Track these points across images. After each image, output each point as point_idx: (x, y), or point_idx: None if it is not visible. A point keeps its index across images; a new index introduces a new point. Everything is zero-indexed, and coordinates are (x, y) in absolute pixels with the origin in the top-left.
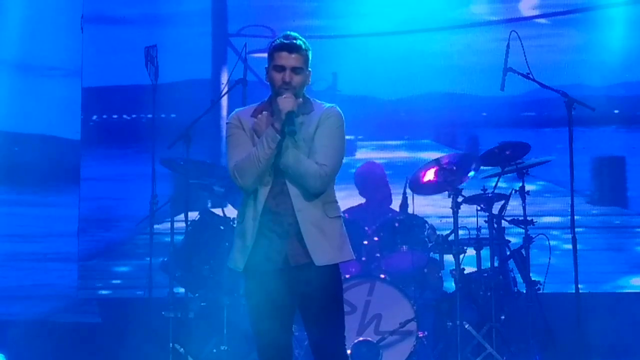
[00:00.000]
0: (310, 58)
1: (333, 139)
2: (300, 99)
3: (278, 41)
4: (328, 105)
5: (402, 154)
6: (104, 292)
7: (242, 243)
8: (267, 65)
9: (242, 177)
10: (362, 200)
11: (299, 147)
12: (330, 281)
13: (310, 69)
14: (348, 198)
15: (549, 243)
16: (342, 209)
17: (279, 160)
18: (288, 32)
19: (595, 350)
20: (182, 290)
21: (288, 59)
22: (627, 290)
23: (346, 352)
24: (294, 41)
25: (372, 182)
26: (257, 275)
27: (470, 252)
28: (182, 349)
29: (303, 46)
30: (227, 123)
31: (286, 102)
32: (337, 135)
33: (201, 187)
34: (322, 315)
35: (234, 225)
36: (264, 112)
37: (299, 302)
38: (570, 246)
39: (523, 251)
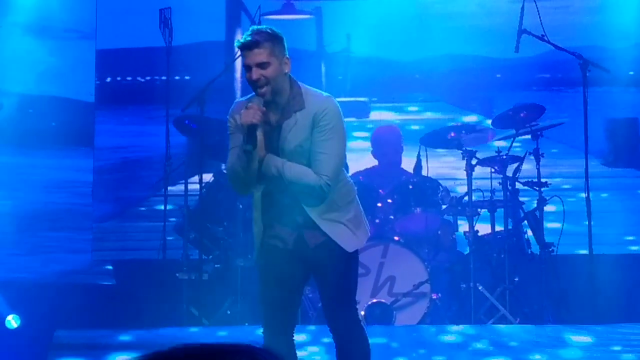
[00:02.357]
0: (281, 45)
1: (331, 142)
2: (264, 108)
3: (238, 42)
4: (323, 97)
5: (416, 116)
6: (118, 253)
7: (255, 245)
8: None
9: (232, 183)
10: (375, 163)
11: (293, 152)
12: (347, 255)
13: (287, 56)
14: (361, 160)
15: (563, 205)
16: (356, 170)
17: (269, 173)
18: (251, 28)
19: (609, 312)
20: (196, 252)
21: (250, 57)
22: None
23: (358, 314)
24: (251, 37)
25: (390, 145)
26: (268, 250)
27: (484, 214)
28: (196, 311)
29: (262, 39)
30: (227, 119)
31: (247, 115)
32: (334, 137)
33: (215, 147)
34: (337, 283)
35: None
36: (249, 105)
37: (314, 272)
38: (584, 208)
39: (537, 213)
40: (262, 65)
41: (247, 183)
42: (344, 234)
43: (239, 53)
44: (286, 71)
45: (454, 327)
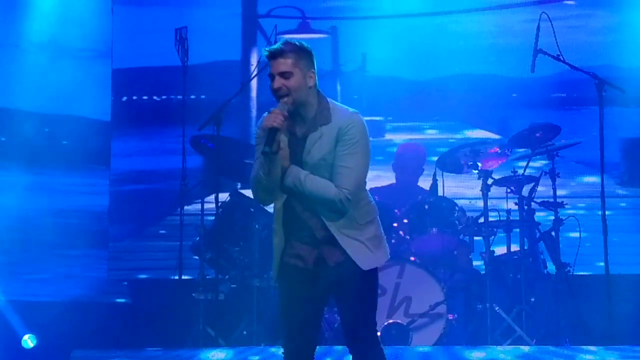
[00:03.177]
0: (307, 59)
1: (354, 156)
2: (286, 113)
3: (264, 50)
4: (349, 112)
5: (432, 135)
6: (134, 273)
7: (274, 259)
8: None
9: (254, 193)
10: (392, 181)
11: (316, 165)
12: (367, 277)
13: (313, 70)
14: (377, 179)
15: (579, 225)
16: (370, 188)
17: (291, 184)
18: (283, 37)
19: (625, 333)
20: (212, 272)
21: (274, 66)
22: None
23: (377, 335)
24: (278, 46)
25: (413, 161)
26: (288, 270)
27: (500, 233)
28: (212, 332)
29: (287, 49)
30: (256, 130)
31: (268, 119)
32: (357, 152)
33: (231, 167)
34: (356, 303)
35: (264, 208)
36: (271, 110)
37: (334, 294)
38: (600, 227)
39: (553, 233)
40: (284, 75)
41: (269, 191)
42: (362, 251)
43: (255, 72)
44: (310, 85)
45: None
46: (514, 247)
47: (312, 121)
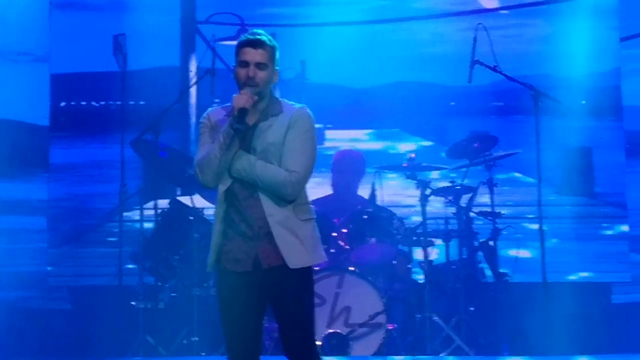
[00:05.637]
0: (277, 56)
1: (303, 142)
2: (256, 97)
3: (243, 37)
4: (298, 106)
5: (370, 144)
6: (73, 280)
7: (212, 245)
8: (234, 64)
9: (201, 174)
10: (330, 192)
11: (265, 150)
12: (302, 282)
13: (277, 68)
14: (317, 187)
15: (517, 234)
16: (310, 199)
17: (240, 168)
18: (254, 30)
19: (563, 340)
20: (152, 280)
21: (252, 55)
22: (593, 280)
23: (316, 348)
24: (259, 37)
25: (350, 168)
26: (227, 277)
27: (439, 243)
28: (152, 340)
29: (268, 42)
30: (199, 122)
31: (239, 99)
32: (307, 139)
33: (170, 175)
34: (293, 315)
35: (204, 216)
36: (241, 91)
37: (271, 302)
38: (537, 236)
39: (491, 243)
40: (260, 66)
41: (219, 172)
42: (296, 249)
43: (194, 80)
44: (274, 81)
45: None
46: (453, 257)
47: (263, 111)
